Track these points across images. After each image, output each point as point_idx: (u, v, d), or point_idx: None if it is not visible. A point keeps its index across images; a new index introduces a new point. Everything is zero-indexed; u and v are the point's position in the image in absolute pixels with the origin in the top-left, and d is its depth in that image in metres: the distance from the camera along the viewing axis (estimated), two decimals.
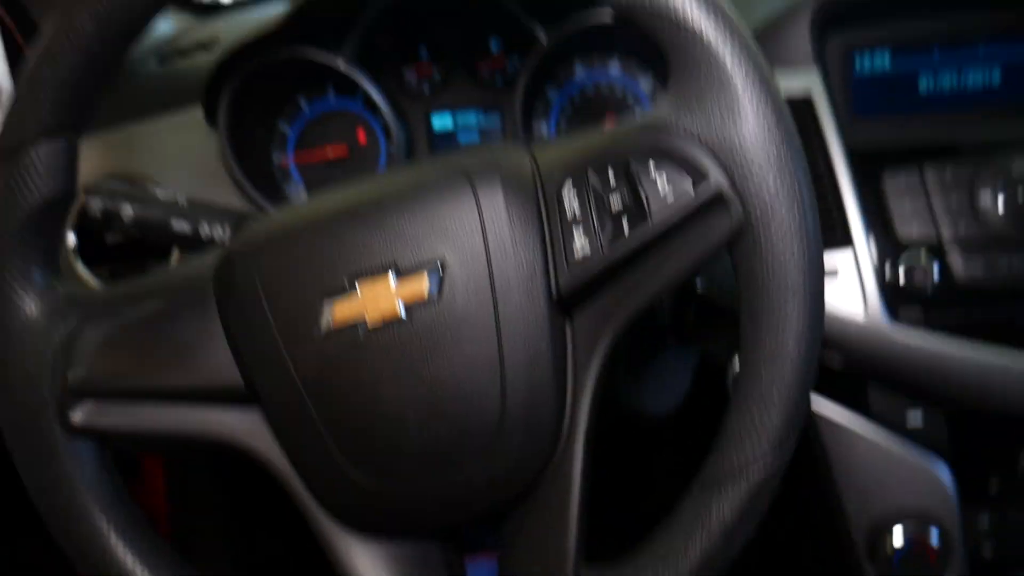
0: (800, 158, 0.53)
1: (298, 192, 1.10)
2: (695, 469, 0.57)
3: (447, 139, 1.09)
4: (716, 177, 0.53)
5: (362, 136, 1.08)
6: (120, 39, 0.59)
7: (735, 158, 0.53)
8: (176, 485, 1.56)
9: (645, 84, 1.03)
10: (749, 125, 0.52)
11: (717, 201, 0.54)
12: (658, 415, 0.98)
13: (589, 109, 1.04)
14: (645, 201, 0.54)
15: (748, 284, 0.54)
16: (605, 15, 0.93)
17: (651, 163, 0.54)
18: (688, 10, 0.53)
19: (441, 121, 1.09)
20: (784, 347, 0.53)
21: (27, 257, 0.61)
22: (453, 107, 1.08)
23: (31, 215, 0.60)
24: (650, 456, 1.47)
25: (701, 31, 0.53)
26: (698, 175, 0.54)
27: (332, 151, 1.08)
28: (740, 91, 0.53)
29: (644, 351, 0.93)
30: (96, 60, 0.59)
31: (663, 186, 0.54)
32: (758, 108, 0.52)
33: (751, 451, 0.54)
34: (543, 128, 1.05)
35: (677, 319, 0.83)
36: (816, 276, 0.53)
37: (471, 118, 1.08)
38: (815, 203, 0.54)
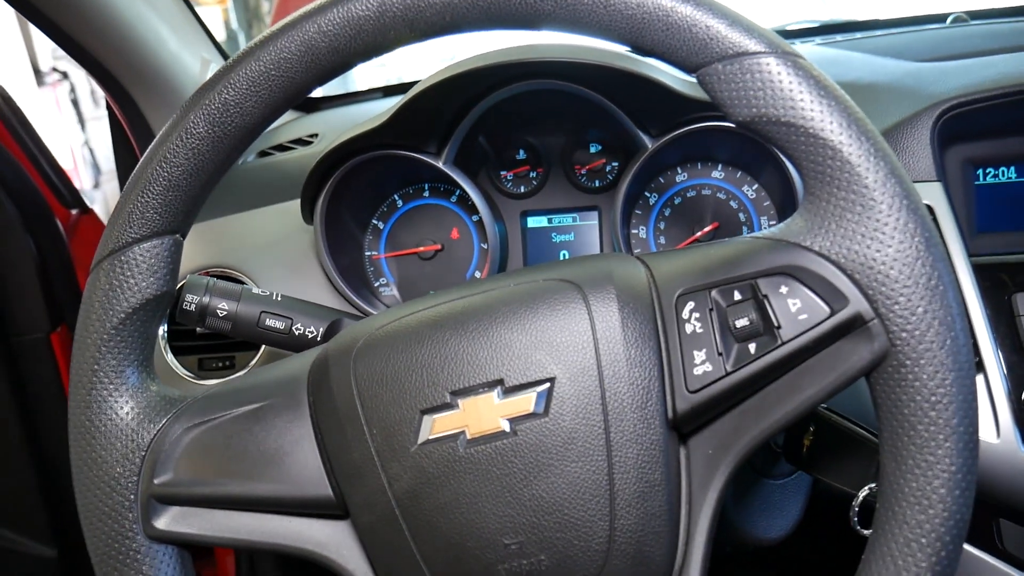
0: (953, 283, 0.49)
1: (389, 287, 1.08)
2: None
3: (542, 238, 1.07)
4: (856, 301, 0.49)
5: (455, 232, 1.07)
6: (232, 143, 0.59)
7: (879, 282, 0.48)
8: (245, 567, 1.53)
9: (749, 190, 0.99)
10: (896, 247, 0.48)
11: (856, 325, 0.49)
12: (765, 540, 0.92)
13: (689, 214, 1.01)
14: (775, 320, 0.50)
15: (891, 418, 0.49)
16: (710, 121, 0.91)
17: (782, 283, 0.51)
18: (825, 121, 0.50)
19: (536, 221, 1.07)
20: (934, 492, 0.48)
21: (123, 356, 0.59)
22: (549, 207, 1.07)
23: (131, 313, 0.59)
24: None
25: (840, 144, 0.49)
26: (835, 298, 0.49)
27: (425, 246, 1.07)
28: (886, 212, 0.49)
29: (755, 471, 0.87)
30: (207, 163, 0.59)
31: (795, 307, 0.50)
32: (907, 229, 0.48)
33: None
34: (641, 231, 1.03)
35: (793, 441, 0.78)
36: (971, 413, 0.48)
37: (567, 219, 1.06)
38: (968, 332, 0.49)
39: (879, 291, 0.49)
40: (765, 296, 0.51)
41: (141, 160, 0.59)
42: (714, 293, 0.52)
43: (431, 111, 0.95)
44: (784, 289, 0.51)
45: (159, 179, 0.58)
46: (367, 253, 1.09)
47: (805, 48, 1.20)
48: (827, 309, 0.50)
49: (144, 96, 1.16)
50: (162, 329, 1.05)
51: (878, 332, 0.49)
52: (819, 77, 0.51)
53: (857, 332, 0.49)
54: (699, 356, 0.52)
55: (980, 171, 0.88)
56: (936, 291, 0.48)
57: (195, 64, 1.21)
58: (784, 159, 0.88)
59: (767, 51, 0.51)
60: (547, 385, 0.52)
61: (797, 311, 0.50)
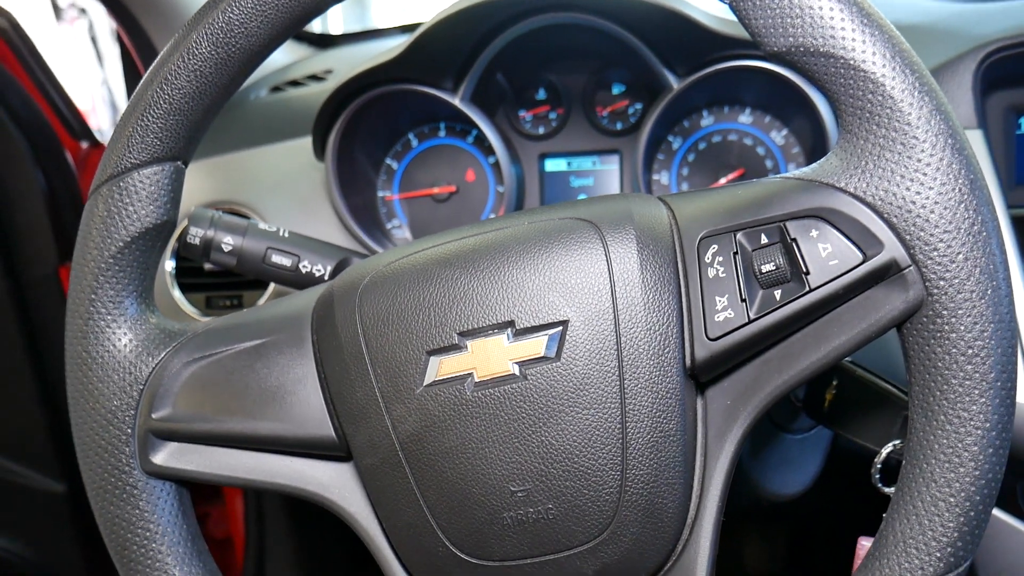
0: (997, 229, 0.46)
1: (401, 228, 1.06)
2: (820, 557, 0.49)
3: (560, 182, 1.04)
4: (891, 246, 0.46)
5: (471, 174, 1.04)
6: (237, 66, 0.56)
7: (918, 226, 0.45)
8: (253, 509, 1.54)
9: (778, 136, 0.96)
10: (937, 190, 0.45)
11: (890, 272, 0.46)
12: (782, 496, 0.90)
13: (714, 159, 0.98)
14: (803, 266, 0.48)
15: (923, 371, 0.47)
16: (740, 60, 0.87)
17: (812, 226, 0.48)
18: (867, 52, 0.46)
19: (555, 164, 1.04)
20: (966, 449, 0.45)
21: (121, 286, 0.57)
22: (568, 150, 1.03)
23: (129, 242, 0.57)
24: (770, 539, 1.37)
25: (883, 78, 0.46)
26: (869, 243, 0.46)
27: (439, 188, 1.04)
28: (928, 151, 0.45)
29: (773, 425, 0.85)
30: (210, 86, 0.56)
31: (825, 252, 0.47)
32: (950, 170, 0.45)
33: (920, 563, 0.46)
34: (664, 177, 0.99)
35: (814, 395, 0.75)
36: (1011, 368, 0.45)
37: (587, 162, 1.03)
38: (1011, 283, 0.46)
39: (917, 236, 0.46)
40: (794, 240, 0.48)
41: (142, 81, 0.57)
42: (739, 236, 0.50)
43: (447, 44, 0.92)
44: (814, 233, 0.48)
45: (160, 101, 0.56)
46: (380, 193, 1.06)
47: None
48: (860, 254, 0.47)
49: (153, 24, 1.13)
50: (170, 265, 1.04)
51: (914, 280, 0.46)
52: (862, 4, 0.47)
53: (891, 280, 0.47)
54: (721, 302, 0.49)
55: (1023, 119, 0.84)
56: (979, 237, 0.45)
57: None
58: (816, 101, 0.84)
59: None
60: (560, 328, 0.50)
61: (827, 256, 0.47)
